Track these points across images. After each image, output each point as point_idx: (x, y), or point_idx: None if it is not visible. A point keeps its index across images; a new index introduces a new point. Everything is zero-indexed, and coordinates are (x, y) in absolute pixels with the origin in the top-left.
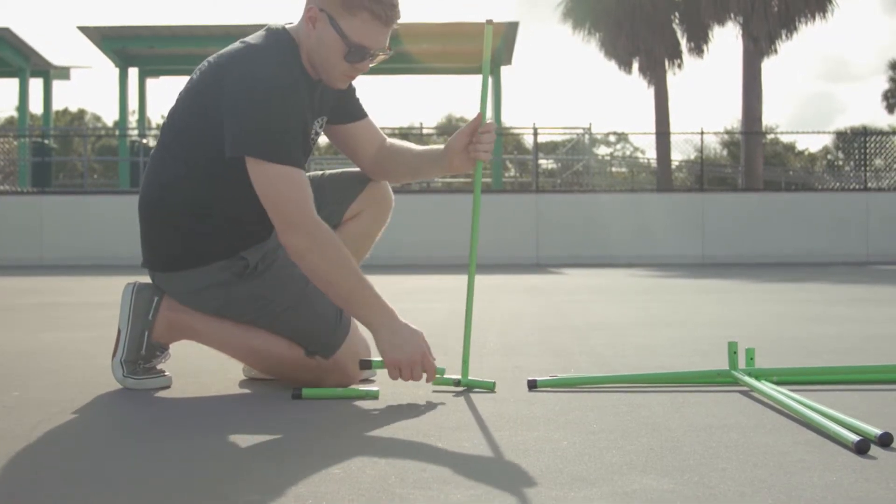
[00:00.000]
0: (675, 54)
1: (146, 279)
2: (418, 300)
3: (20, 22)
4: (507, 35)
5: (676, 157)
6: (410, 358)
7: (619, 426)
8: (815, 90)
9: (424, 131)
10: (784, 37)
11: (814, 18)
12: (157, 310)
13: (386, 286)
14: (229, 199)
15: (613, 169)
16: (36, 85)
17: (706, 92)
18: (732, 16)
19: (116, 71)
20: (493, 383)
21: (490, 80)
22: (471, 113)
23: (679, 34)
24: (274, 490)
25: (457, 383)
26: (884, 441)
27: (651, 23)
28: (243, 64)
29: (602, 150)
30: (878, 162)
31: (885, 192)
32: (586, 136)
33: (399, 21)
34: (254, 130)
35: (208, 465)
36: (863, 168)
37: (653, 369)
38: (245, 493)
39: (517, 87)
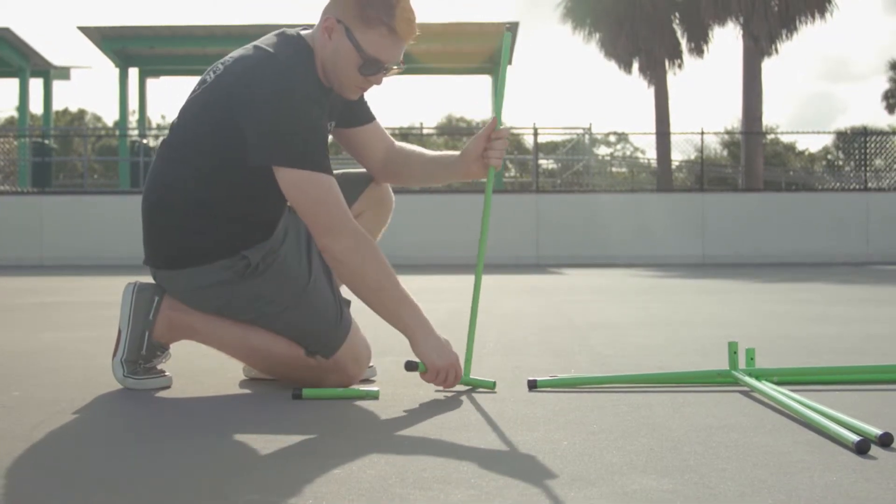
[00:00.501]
0: (676, 54)
1: (147, 279)
2: (419, 300)
3: (20, 22)
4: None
5: (677, 157)
6: (449, 365)
7: (620, 426)
8: (815, 90)
9: (424, 131)
10: (784, 37)
11: (814, 18)
12: (158, 309)
13: None
14: (234, 200)
15: (614, 169)
16: (36, 85)
17: (706, 92)
18: (733, 16)
19: (116, 71)
20: (494, 382)
21: (492, 81)
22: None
23: (679, 34)
24: (274, 490)
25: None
26: (884, 441)
27: (651, 23)
28: (266, 72)
29: (602, 151)
30: (879, 162)
31: (885, 193)
32: (586, 137)
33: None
34: (283, 139)
35: (208, 465)
36: (863, 168)
37: (653, 369)
38: (245, 493)
39: (517, 87)
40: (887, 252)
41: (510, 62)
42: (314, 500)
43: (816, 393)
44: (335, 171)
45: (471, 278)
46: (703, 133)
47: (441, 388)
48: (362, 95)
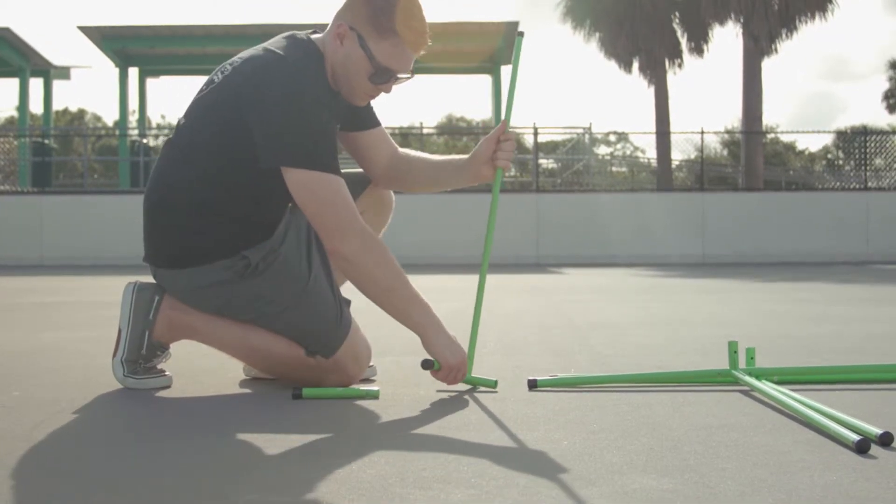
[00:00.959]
0: (676, 54)
1: (147, 278)
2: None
3: (20, 22)
4: (507, 35)
5: (677, 156)
6: (459, 363)
7: (620, 426)
8: (815, 90)
9: (424, 131)
10: (784, 36)
11: (814, 18)
12: (158, 309)
13: None
14: (237, 201)
15: (614, 168)
16: (36, 85)
17: (706, 91)
18: (733, 15)
19: (116, 71)
20: (496, 381)
21: (492, 81)
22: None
23: (679, 34)
24: (274, 490)
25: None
26: (884, 440)
27: (651, 22)
28: (276, 73)
29: (602, 150)
30: (879, 161)
31: (885, 192)
32: (586, 136)
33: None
34: (292, 140)
35: (208, 465)
36: (863, 168)
37: (653, 369)
38: (245, 493)
39: (517, 87)
40: (887, 251)
41: (506, 58)
42: (314, 500)
43: (816, 392)
44: None
45: (472, 278)
46: (703, 132)
47: (444, 385)
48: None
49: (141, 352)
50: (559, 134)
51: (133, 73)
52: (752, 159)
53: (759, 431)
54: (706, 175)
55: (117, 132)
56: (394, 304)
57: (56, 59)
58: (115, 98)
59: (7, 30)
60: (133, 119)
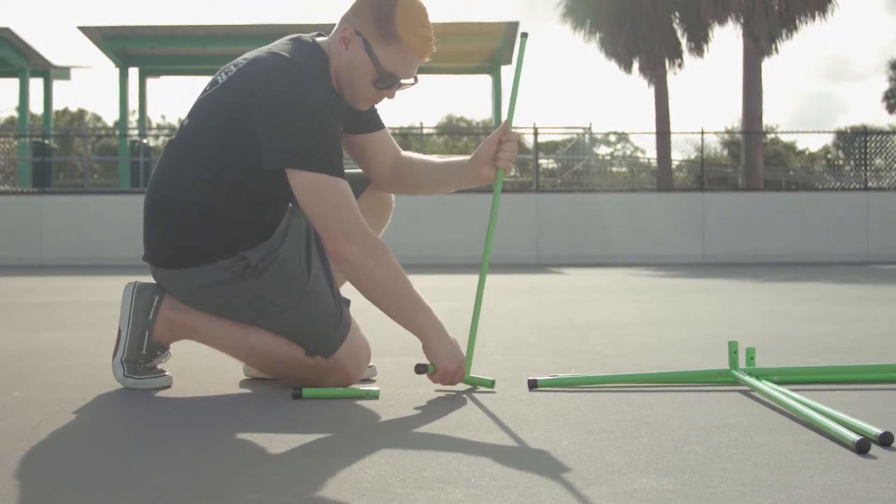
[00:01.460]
0: (676, 54)
1: (147, 278)
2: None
3: (20, 22)
4: (507, 35)
5: (677, 156)
6: (458, 368)
7: (620, 426)
8: (816, 90)
9: (424, 131)
10: (784, 36)
11: (814, 18)
12: (158, 309)
13: None
14: (239, 202)
15: (614, 168)
16: (36, 85)
17: (706, 91)
18: (733, 15)
19: (117, 71)
20: (493, 381)
21: (492, 81)
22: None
23: (679, 33)
24: (274, 490)
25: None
26: (884, 441)
27: (651, 22)
28: (280, 75)
29: (602, 150)
30: (879, 161)
31: (885, 192)
32: (586, 136)
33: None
34: (297, 142)
35: (208, 465)
36: (863, 167)
37: (653, 369)
38: (245, 493)
39: (520, 88)
40: (887, 251)
41: (506, 59)
42: (314, 500)
43: (816, 392)
44: None
45: (472, 278)
46: (703, 132)
47: (443, 385)
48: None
49: (141, 352)
50: (559, 134)
51: (133, 73)
52: (753, 159)
53: (759, 431)
54: (706, 175)
55: (117, 132)
56: (397, 307)
57: (56, 59)
58: (116, 98)
59: (7, 30)
60: (133, 119)
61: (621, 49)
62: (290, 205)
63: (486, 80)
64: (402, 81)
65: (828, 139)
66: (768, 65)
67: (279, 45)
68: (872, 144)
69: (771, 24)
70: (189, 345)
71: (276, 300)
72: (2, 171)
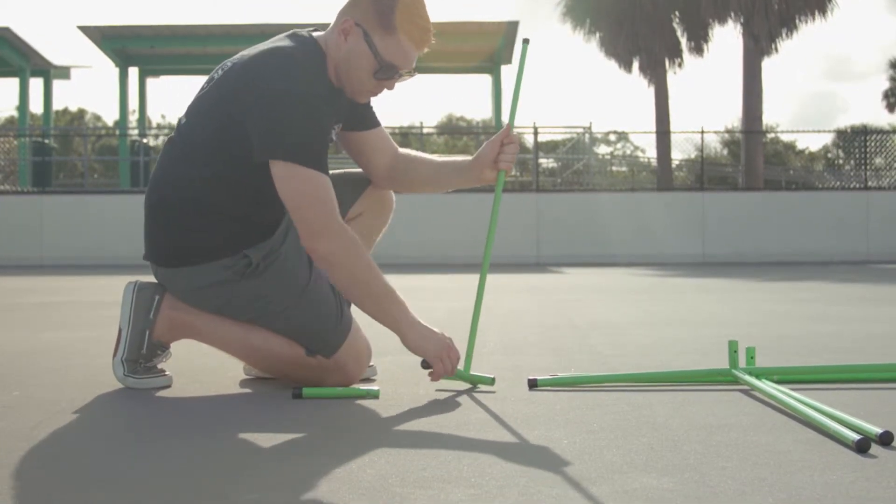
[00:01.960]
0: (676, 53)
1: (147, 278)
2: (419, 299)
3: (20, 21)
4: (507, 34)
5: (677, 156)
6: (443, 348)
7: (620, 425)
8: (816, 89)
9: (425, 130)
10: (784, 35)
11: (814, 17)
12: (159, 309)
13: None
14: (238, 200)
15: (614, 168)
16: (36, 84)
17: (706, 91)
18: (733, 14)
19: (116, 70)
20: (493, 378)
21: (492, 80)
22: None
23: (679, 33)
24: (274, 489)
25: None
26: (884, 440)
27: (651, 22)
28: (275, 71)
29: (602, 150)
30: (879, 161)
31: (885, 191)
32: (586, 136)
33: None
34: (282, 133)
35: (208, 464)
36: (863, 167)
37: (653, 368)
38: (245, 493)
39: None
40: (887, 251)
41: (506, 58)
42: (314, 500)
43: (816, 391)
44: (336, 171)
45: (472, 278)
46: (703, 132)
47: (444, 384)
48: (369, 100)
49: (141, 351)
50: (559, 133)
51: (133, 72)
52: (753, 159)
53: (759, 431)
54: (706, 175)
55: (117, 132)
56: (371, 301)
57: (56, 58)
58: (115, 98)
59: (7, 29)
60: (133, 119)
61: (621, 48)
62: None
63: (486, 79)
64: (402, 72)
65: (828, 139)
66: (768, 64)
67: (275, 40)
68: (872, 144)
69: (771, 23)
70: (189, 344)
71: (276, 300)
72: (2, 171)
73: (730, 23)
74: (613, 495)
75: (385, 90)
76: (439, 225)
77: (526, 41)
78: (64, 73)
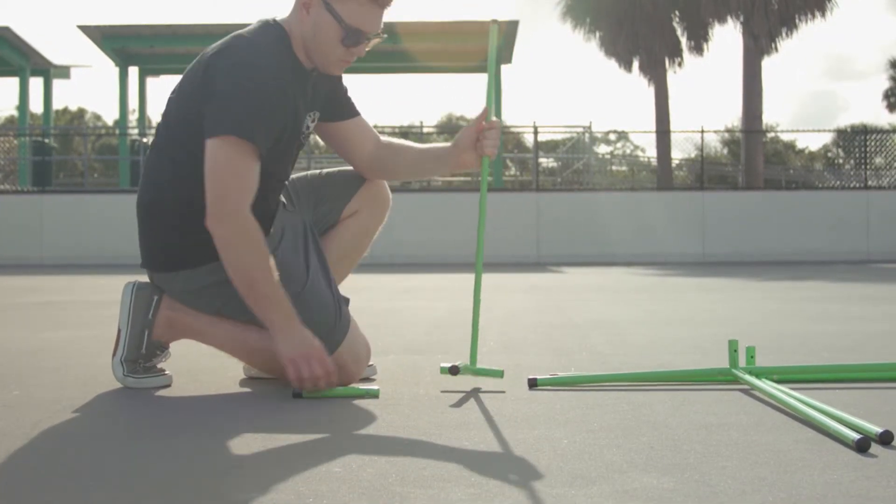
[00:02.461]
0: (676, 52)
1: (146, 278)
2: (419, 298)
3: (20, 21)
4: (507, 34)
5: (677, 155)
6: (293, 354)
7: (620, 424)
8: (817, 88)
9: (424, 130)
10: (784, 35)
11: (814, 16)
12: (157, 309)
13: (385, 285)
14: None
15: (614, 167)
16: (36, 84)
17: (706, 90)
18: (732, 13)
19: (116, 70)
20: (502, 371)
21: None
22: (471, 111)
23: (679, 32)
24: (274, 489)
25: (454, 371)
26: (884, 439)
27: (651, 21)
28: (231, 54)
29: (602, 149)
30: (879, 160)
31: (885, 191)
32: (587, 135)
33: (393, 7)
34: (230, 111)
35: (208, 464)
36: (863, 166)
37: (653, 368)
38: (245, 493)
39: (518, 86)
40: (887, 250)
41: (506, 58)
42: (314, 500)
43: (816, 391)
44: (332, 170)
45: (471, 277)
46: (703, 131)
47: (446, 384)
48: (346, 91)
49: (140, 351)
50: (559, 133)
51: (133, 72)
52: (753, 158)
53: (759, 430)
54: (706, 174)
55: (117, 131)
56: (253, 294)
57: (56, 58)
58: (115, 97)
59: (7, 29)
60: (133, 118)
61: (621, 48)
62: (284, 203)
63: (485, 78)
64: (369, 35)
65: (828, 138)
66: (768, 63)
67: (243, 30)
68: (872, 143)
69: (771, 22)
70: (188, 344)
71: None
72: (2, 171)
73: (730, 22)
74: (613, 495)
75: (357, 56)
76: (438, 224)
77: (495, 22)
78: (64, 72)
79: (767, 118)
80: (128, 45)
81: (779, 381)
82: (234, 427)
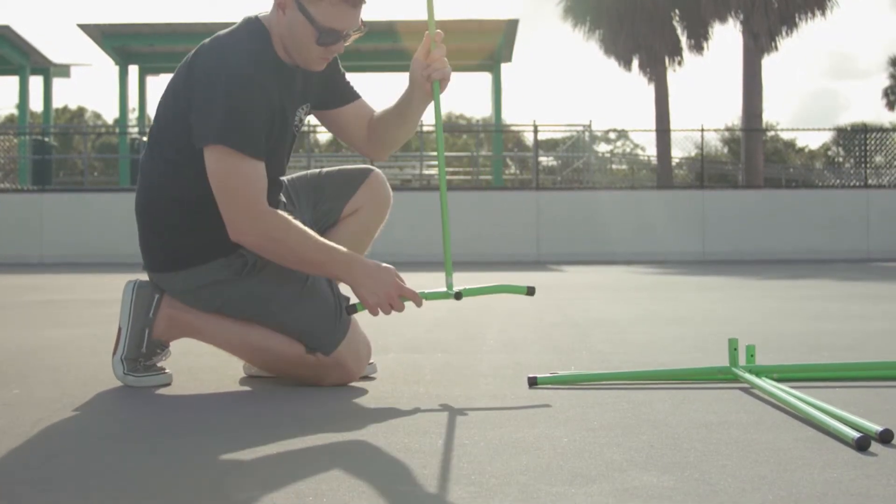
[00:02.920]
0: (676, 51)
1: (147, 277)
2: None
3: (20, 20)
4: (507, 32)
5: (677, 154)
6: (383, 296)
7: (620, 423)
8: (818, 87)
9: (424, 129)
10: (784, 33)
11: (814, 15)
12: (158, 307)
13: None
14: (210, 193)
15: (614, 166)
16: (36, 83)
17: (707, 89)
18: (733, 12)
19: (116, 68)
20: (527, 288)
21: (492, 78)
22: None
23: (679, 31)
24: (274, 488)
25: (457, 296)
26: (884, 438)
27: (651, 20)
28: (209, 55)
29: (602, 148)
30: (879, 159)
31: (885, 189)
32: (586, 134)
33: (383, 5)
34: (214, 119)
35: (208, 463)
36: (863, 165)
37: (653, 366)
38: (245, 491)
39: (517, 85)
40: (887, 249)
41: (507, 57)
42: (314, 499)
43: (816, 389)
44: (333, 168)
45: (471, 276)
46: (703, 130)
47: (444, 383)
48: (343, 76)
49: (141, 350)
50: (559, 131)
51: (133, 70)
52: (753, 157)
53: (759, 428)
54: (706, 172)
55: (117, 130)
56: (312, 270)
57: (56, 56)
58: (115, 96)
59: (7, 28)
60: (133, 117)
61: (621, 47)
62: (284, 201)
63: (485, 77)
64: (346, 33)
65: (828, 137)
66: (768, 62)
67: (224, 30)
68: (872, 142)
69: (771, 21)
70: (189, 343)
71: (275, 298)
72: (2, 169)
73: (730, 21)
74: (613, 493)
75: (336, 53)
76: (439, 223)
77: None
78: (64, 71)
79: (767, 117)
80: (128, 44)
81: (779, 380)
82: (234, 425)
